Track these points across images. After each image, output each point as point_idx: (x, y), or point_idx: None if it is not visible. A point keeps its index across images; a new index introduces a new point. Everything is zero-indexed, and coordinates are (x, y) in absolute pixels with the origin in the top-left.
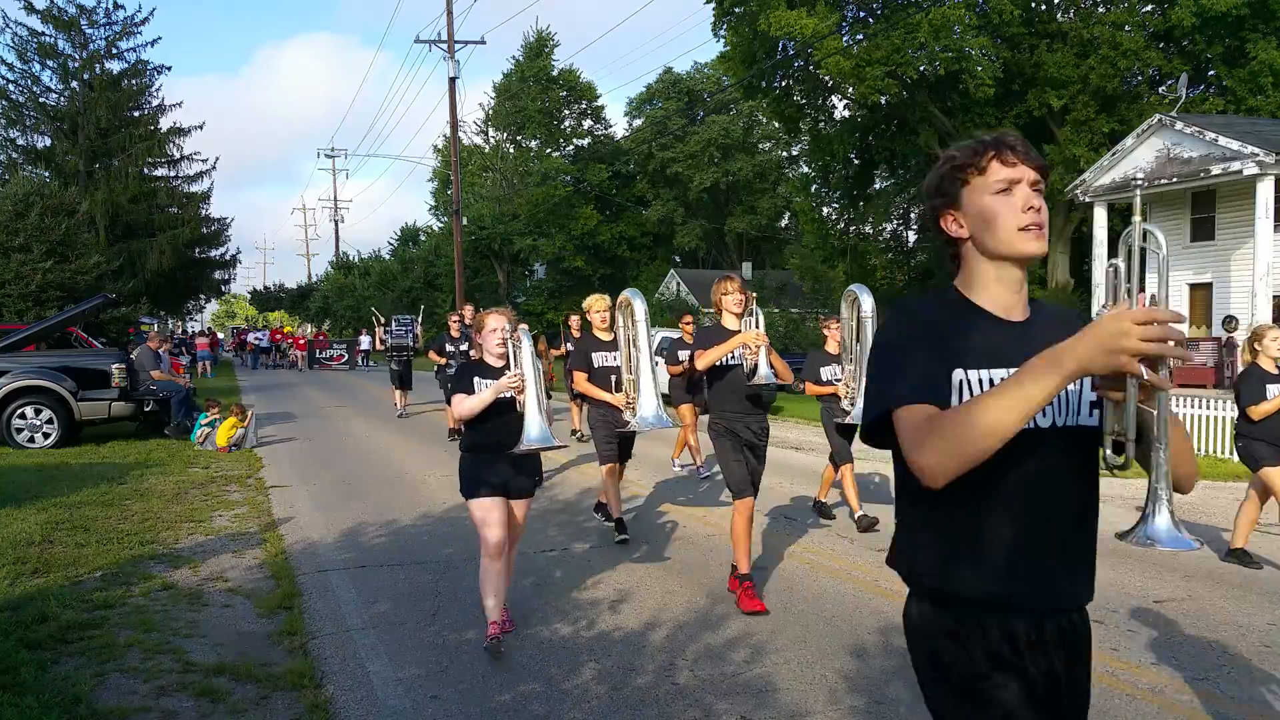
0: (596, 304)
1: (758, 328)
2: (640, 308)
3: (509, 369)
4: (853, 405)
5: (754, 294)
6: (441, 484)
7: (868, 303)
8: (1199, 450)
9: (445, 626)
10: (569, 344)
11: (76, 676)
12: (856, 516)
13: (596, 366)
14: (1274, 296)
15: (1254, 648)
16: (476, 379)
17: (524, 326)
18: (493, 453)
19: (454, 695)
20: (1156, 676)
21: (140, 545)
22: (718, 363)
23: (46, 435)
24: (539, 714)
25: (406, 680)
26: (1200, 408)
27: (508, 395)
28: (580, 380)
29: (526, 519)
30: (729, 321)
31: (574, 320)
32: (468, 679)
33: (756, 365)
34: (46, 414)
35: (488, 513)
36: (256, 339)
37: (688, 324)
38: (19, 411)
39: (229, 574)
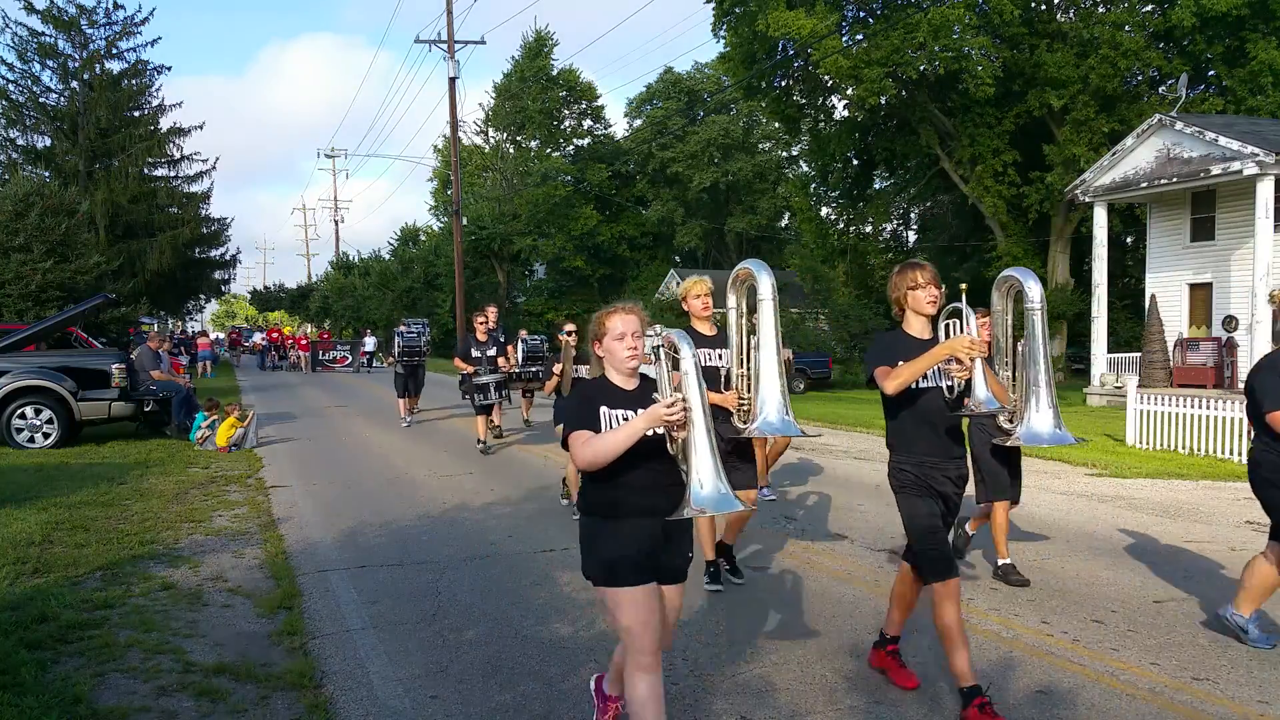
0: (696, 288)
1: (966, 331)
2: (767, 283)
3: (660, 392)
4: (1013, 422)
5: (964, 285)
6: (442, 484)
7: (1035, 291)
8: (1198, 450)
9: (445, 626)
10: None
11: (76, 676)
12: (1002, 565)
13: None
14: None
15: (1254, 648)
16: (604, 409)
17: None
18: (634, 517)
19: (454, 695)
20: (1156, 676)
21: (140, 545)
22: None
23: (46, 435)
24: (539, 714)
25: (406, 680)
26: (1200, 408)
27: (657, 432)
28: None
29: (680, 607)
30: (916, 325)
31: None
32: (468, 679)
33: (970, 387)
34: (46, 414)
35: (637, 608)
36: (264, 341)
37: None
38: (19, 411)
39: (229, 574)
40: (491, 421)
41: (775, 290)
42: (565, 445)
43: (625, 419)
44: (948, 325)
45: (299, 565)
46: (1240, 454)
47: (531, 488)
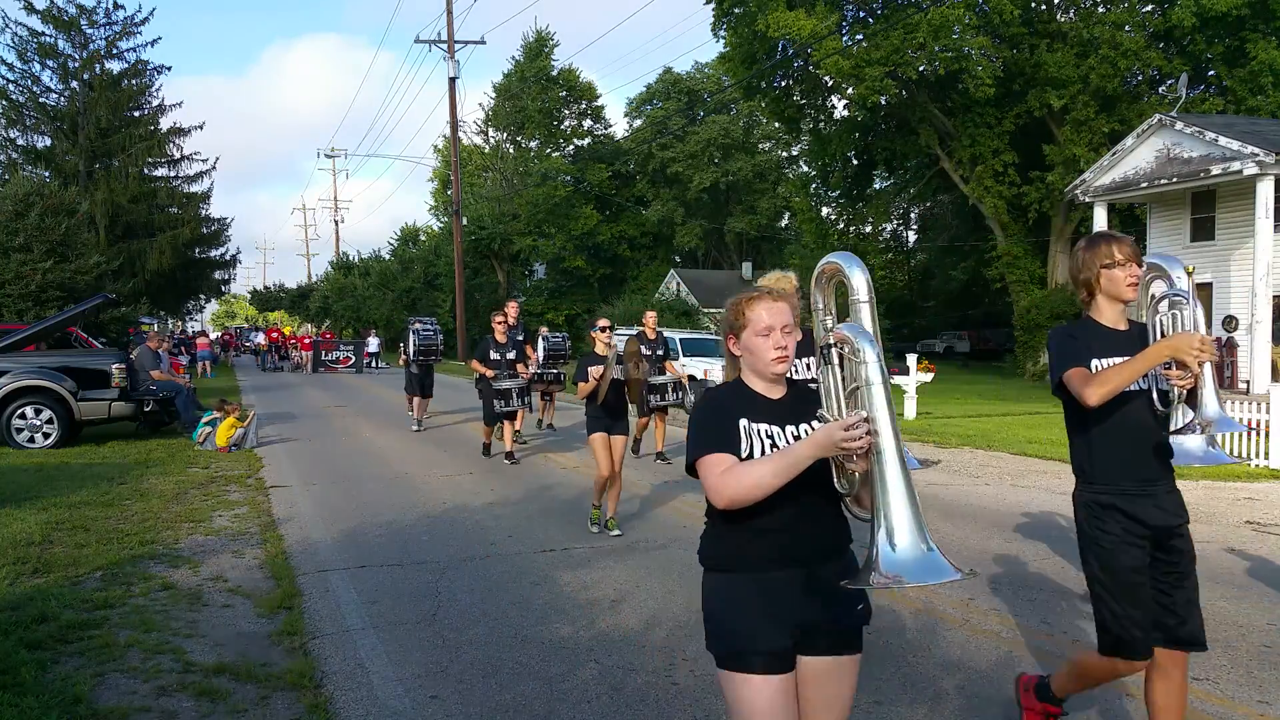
0: (780, 284)
1: (1185, 327)
2: (861, 279)
3: (827, 407)
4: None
5: (1190, 267)
6: (442, 484)
7: (1184, 282)
8: (844, 404)
9: (445, 626)
10: (642, 346)
11: (76, 676)
12: None
13: None
14: (1274, 296)
15: (1254, 648)
16: (745, 422)
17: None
18: (772, 570)
19: (454, 695)
20: None
21: (140, 545)
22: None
23: (46, 435)
24: (539, 714)
25: (406, 680)
26: None
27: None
28: None
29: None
30: (1109, 314)
31: (649, 317)
32: (468, 679)
33: (1198, 397)
34: (46, 414)
35: (758, 705)
36: (270, 340)
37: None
38: (19, 411)
39: (229, 574)
40: (516, 428)
41: (871, 289)
42: (691, 470)
43: (771, 436)
44: (1165, 318)
45: (299, 565)
46: (1240, 454)
47: (531, 488)
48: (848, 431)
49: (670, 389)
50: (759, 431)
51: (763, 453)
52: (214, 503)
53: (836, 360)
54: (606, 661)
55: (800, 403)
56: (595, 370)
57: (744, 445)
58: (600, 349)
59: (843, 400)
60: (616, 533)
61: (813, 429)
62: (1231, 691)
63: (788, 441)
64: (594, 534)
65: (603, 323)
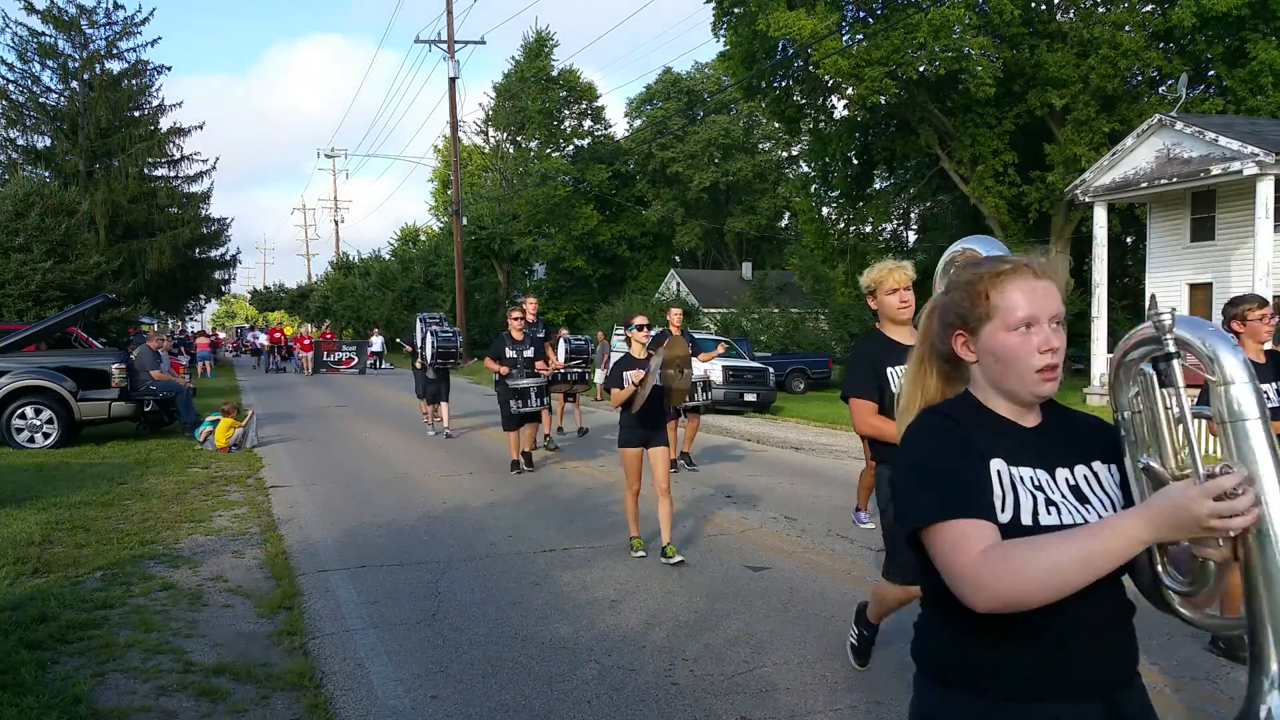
0: (891, 278)
1: None
2: None
3: (1159, 453)
4: None
5: None
6: (442, 484)
7: None
8: (1200, 452)
9: (445, 626)
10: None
11: (76, 676)
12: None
13: (892, 389)
14: (1274, 296)
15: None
16: (1002, 465)
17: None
18: (1055, 701)
19: (454, 695)
20: (1156, 677)
21: (140, 545)
22: None
23: (46, 435)
24: (539, 714)
25: (406, 680)
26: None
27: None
28: (865, 415)
29: None
30: None
31: (674, 313)
32: (468, 679)
33: None
34: (46, 414)
35: None
36: (273, 340)
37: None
38: (19, 411)
39: (229, 574)
40: (544, 433)
41: None
42: (913, 541)
43: (1041, 488)
44: None
45: (299, 565)
46: None
47: (531, 488)
48: (1220, 503)
49: (700, 389)
50: (1023, 481)
51: (1033, 517)
52: (214, 503)
53: (1178, 373)
54: (606, 661)
55: (1064, 431)
56: (635, 375)
57: (1003, 504)
58: (637, 351)
59: (1194, 443)
60: (678, 559)
61: (1095, 475)
62: (1232, 691)
63: (1063, 495)
64: (595, 535)
65: (640, 320)
